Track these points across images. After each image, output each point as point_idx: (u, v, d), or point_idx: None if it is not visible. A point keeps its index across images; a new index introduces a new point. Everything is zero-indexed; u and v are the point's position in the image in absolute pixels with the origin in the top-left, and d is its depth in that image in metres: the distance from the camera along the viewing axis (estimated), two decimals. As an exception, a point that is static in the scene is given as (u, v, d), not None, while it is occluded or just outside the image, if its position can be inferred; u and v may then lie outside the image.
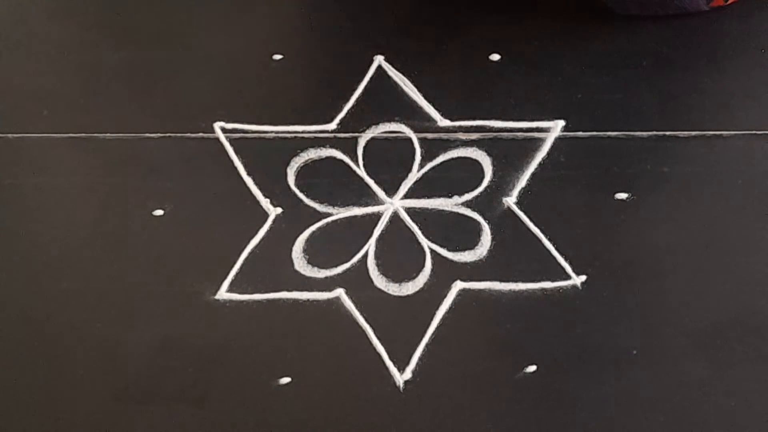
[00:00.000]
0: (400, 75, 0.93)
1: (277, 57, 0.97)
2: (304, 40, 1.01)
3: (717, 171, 0.85)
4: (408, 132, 0.89)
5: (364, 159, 0.88)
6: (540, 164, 0.87)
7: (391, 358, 0.76)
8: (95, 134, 0.92)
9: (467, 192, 0.86)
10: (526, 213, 0.84)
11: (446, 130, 0.89)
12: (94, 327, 0.79)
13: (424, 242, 0.83)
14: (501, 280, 0.80)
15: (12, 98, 0.96)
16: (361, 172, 0.87)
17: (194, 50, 0.99)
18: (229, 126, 0.92)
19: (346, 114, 0.91)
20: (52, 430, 0.74)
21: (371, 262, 0.82)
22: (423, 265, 0.81)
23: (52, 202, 0.88)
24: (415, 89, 0.92)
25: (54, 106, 0.95)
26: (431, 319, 0.78)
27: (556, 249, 0.81)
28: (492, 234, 0.83)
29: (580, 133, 0.89)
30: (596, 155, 0.87)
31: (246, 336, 0.78)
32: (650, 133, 0.88)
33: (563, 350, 0.76)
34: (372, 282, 0.80)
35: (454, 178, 0.86)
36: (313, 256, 0.82)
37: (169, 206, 0.86)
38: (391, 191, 0.86)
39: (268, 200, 0.86)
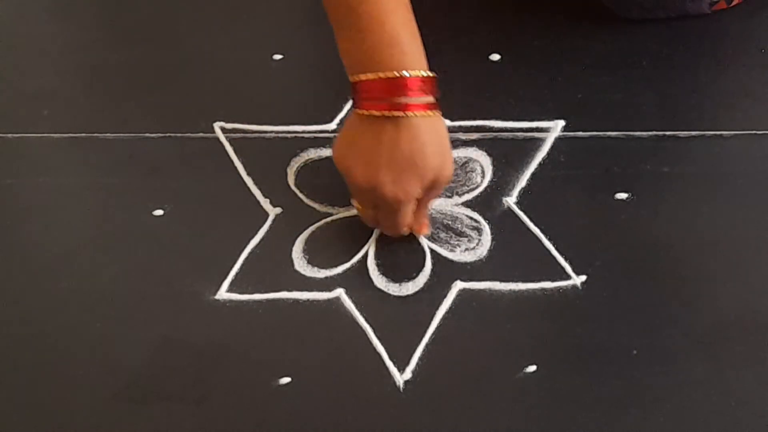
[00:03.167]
0: (400, 75, 0.93)
1: (277, 57, 0.98)
2: (304, 40, 1.01)
3: (717, 171, 0.85)
4: (408, 132, 0.89)
5: (364, 159, 0.88)
6: (540, 164, 0.87)
7: (391, 358, 0.76)
8: (95, 134, 0.92)
9: (467, 192, 0.86)
10: (526, 213, 0.84)
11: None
12: (94, 327, 0.79)
13: (424, 242, 0.83)
14: (501, 280, 0.79)
15: (12, 98, 0.96)
16: (361, 172, 0.87)
17: (194, 50, 0.99)
18: (229, 126, 0.92)
19: (346, 114, 0.91)
20: (52, 430, 0.74)
21: (371, 262, 0.82)
22: (423, 265, 0.81)
23: (52, 202, 0.88)
24: (415, 89, 0.91)
25: (54, 106, 0.95)
26: (431, 319, 0.78)
27: (556, 249, 0.81)
28: (492, 234, 0.83)
29: (580, 133, 0.89)
30: (596, 155, 0.87)
31: (246, 336, 0.78)
32: (650, 133, 0.88)
33: (563, 350, 0.76)
34: (372, 282, 0.80)
35: (454, 178, 0.86)
36: (313, 256, 0.82)
37: (169, 206, 0.86)
38: (391, 191, 0.85)
39: (268, 200, 0.86)
